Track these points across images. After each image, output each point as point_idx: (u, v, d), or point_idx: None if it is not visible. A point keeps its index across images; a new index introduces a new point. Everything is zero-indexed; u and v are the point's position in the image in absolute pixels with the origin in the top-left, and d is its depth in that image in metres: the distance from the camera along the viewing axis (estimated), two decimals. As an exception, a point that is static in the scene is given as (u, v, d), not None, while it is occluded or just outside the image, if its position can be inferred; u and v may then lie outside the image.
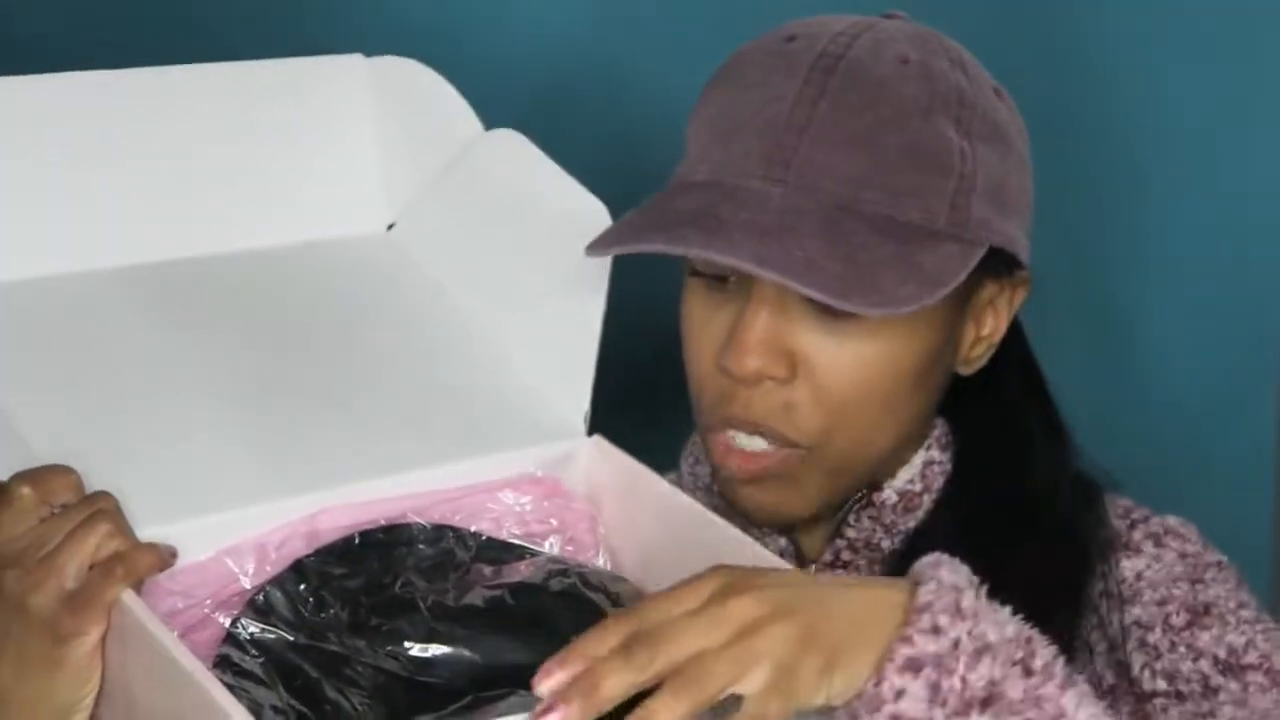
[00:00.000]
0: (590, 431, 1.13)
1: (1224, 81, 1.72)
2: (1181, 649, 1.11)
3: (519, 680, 0.92)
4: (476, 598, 0.99)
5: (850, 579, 0.93)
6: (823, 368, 1.11)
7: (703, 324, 1.14)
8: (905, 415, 1.15)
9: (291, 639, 0.95)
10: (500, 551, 1.05)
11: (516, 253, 1.19)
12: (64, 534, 0.94)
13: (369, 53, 1.26)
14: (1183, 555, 1.16)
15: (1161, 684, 1.11)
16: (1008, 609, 0.91)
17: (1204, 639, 1.11)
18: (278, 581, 0.98)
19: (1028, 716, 0.87)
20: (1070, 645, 1.15)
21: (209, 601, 0.97)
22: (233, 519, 1.01)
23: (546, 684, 0.83)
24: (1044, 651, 0.90)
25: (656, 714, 0.83)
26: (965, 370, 1.19)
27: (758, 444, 1.13)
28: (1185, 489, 1.56)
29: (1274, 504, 1.81)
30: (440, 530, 1.04)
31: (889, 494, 1.19)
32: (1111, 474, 1.23)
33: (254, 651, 0.94)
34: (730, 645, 0.84)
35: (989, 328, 1.18)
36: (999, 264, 1.15)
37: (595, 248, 1.10)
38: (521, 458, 1.10)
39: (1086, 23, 1.72)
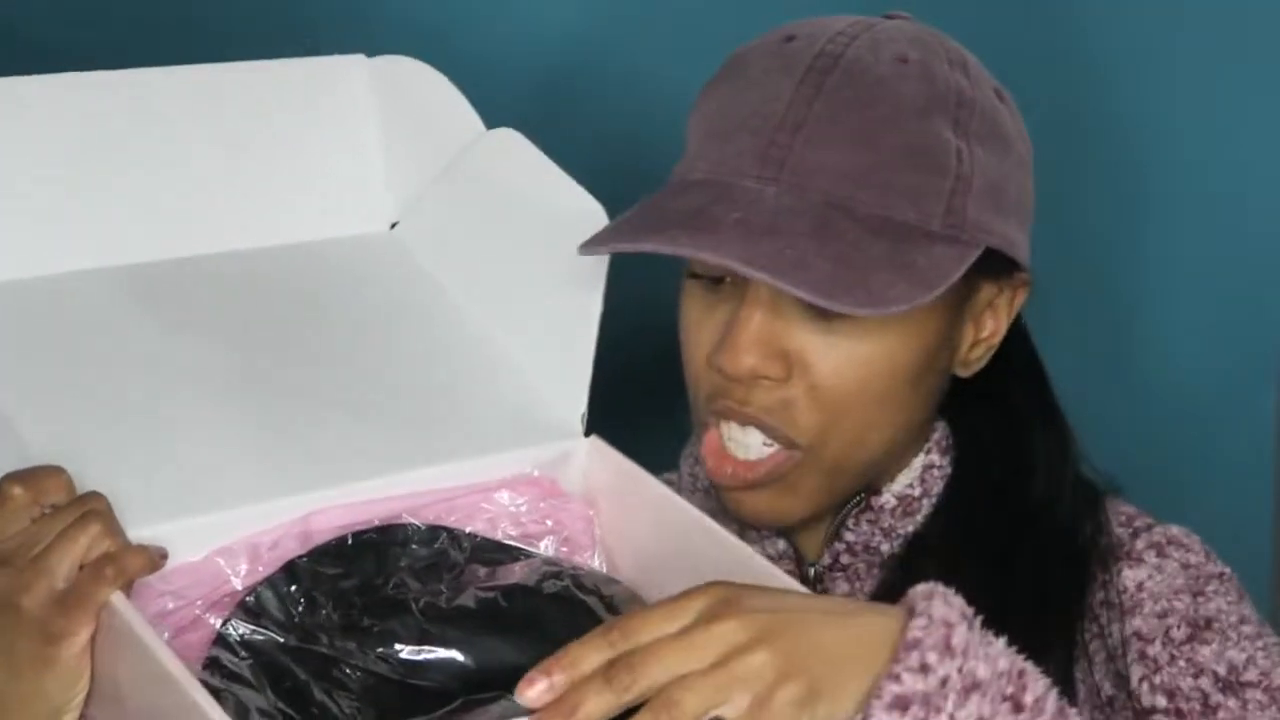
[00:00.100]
0: (588, 432, 1.13)
1: (1225, 82, 1.71)
2: (1181, 663, 1.11)
3: (510, 683, 0.91)
4: (469, 599, 0.99)
5: (845, 604, 0.92)
6: (817, 367, 1.10)
7: (699, 324, 1.14)
8: (901, 416, 1.15)
9: (282, 640, 0.95)
10: (495, 553, 1.04)
11: (515, 253, 1.19)
12: (55, 534, 0.94)
13: (370, 53, 1.26)
14: (1185, 566, 1.16)
15: (1161, 700, 1.10)
16: (1001, 641, 0.90)
17: (1204, 654, 1.11)
18: (269, 582, 0.98)
19: None
20: (1069, 654, 1.15)
21: (200, 602, 0.97)
22: (225, 519, 1.00)
23: (529, 692, 0.84)
24: (1035, 685, 0.89)
25: None
26: (964, 372, 1.19)
27: (753, 441, 1.13)
28: (1185, 489, 1.56)
29: (1274, 504, 1.81)
30: (435, 531, 1.04)
31: (887, 498, 1.19)
32: (1113, 478, 1.23)
33: (244, 653, 0.94)
34: (711, 671, 0.84)
35: (988, 329, 1.18)
36: (998, 265, 1.14)
37: (589, 247, 1.10)
38: (518, 458, 1.10)
39: (1088, 22, 1.71)
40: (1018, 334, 1.21)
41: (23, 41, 1.51)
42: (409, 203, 1.26)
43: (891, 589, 1.16)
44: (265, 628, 0.96)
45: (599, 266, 1.13)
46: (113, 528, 0.96)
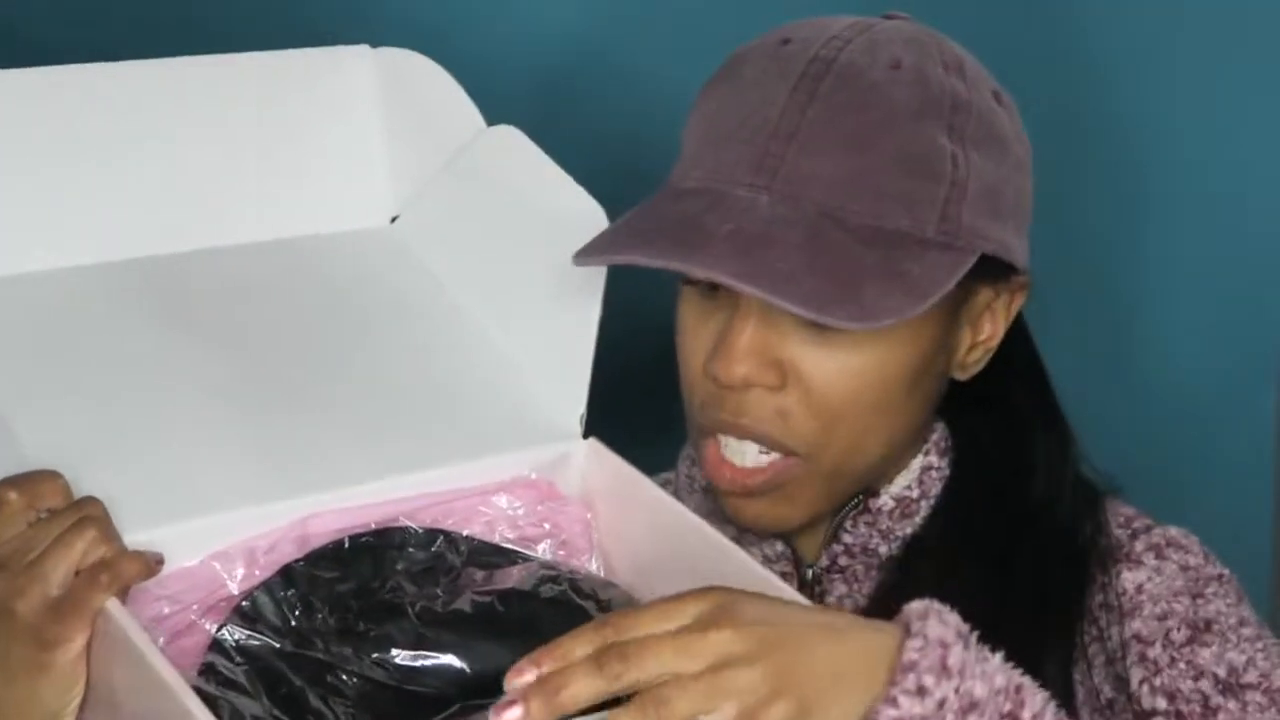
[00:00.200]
0: (586, 434, 1.12)
1: (1225, 81, 1.71)
2: (1181, 665, 1.10)
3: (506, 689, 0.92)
4: (465, 604, 0.99)
5: (841, 619, 0.92)
6: (812, 375, 1.10)
7: (694, 331, 1.14)
8: (899, 421, 1.14)
9: (278, 646, 0.95)
10: (492, 556, 1.04)
11: (514, 253, 1.19)
12: (51, 540, 0.94)
13: (371, 46, 1.26)
14: (1184, 568, 1.15)
15: (1161, 702, 1.10)
16: (997, 657, 0.90)
17: (1204, 656, 1.10)
18: (265, 587, 0.98)
19: None
20: (1068, 656, 1.15)
21: (196, 606, 0.97)
22: (222, 522, 1.00)
23: (518, 681, 0.84)
24: (1033, 701, 0.90)
25: None
26: (961, 375, 1.18)
27: (749, 449, 1.13)
28: (1185, 489, 1.56)
29: (1274, 504, 1.80)
30: (432, 534, 1.04)
31: (885, 500, 1.19)
32: (1113, 478, 1.23)
33: (239, 659, 0.94)
34: (704, 676, 0.84)
35: (985, 333, 1.18)
36: (995, 269, 1.14)
37: (582, 257, 1.10)
38: (516, 460, 1.10)
39: (1088, 22, 1.71)
40: (1018, 335, 1.21)
41: (23, 41, 1.51)
42: (409, 197, 1.26)
43: (889, 591, 1.16)
44: (261, 633, 0.95)
45: (599, 270, 1.13)
46: (109, 533, 0.95)
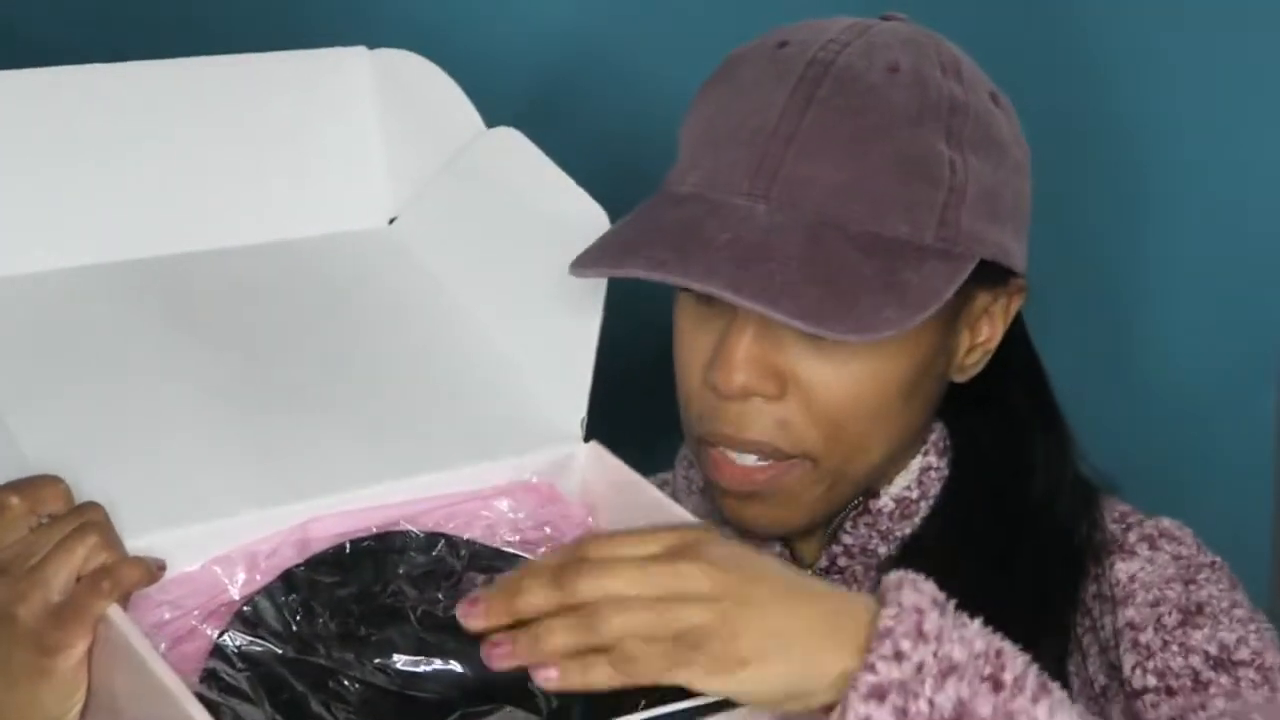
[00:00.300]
0: (587, 436, 1.12)
1: (1225, 82, 1.71)
2: (1174, 647, 1.11)
3: (508, 694, 0.92)
4: (466, 609, 0.99)
5: (819, 586, 0.92)
6: (812, 385, 1.10)
7: (691, 339, 1.14)
8: (898, 426, 1.14)
9: (279, 651, 0.95)
10: (493, 560, 1.04)
11: (514, 255, 1.19)
12: (52, 545, 0.94)
13: (369, 47, 1.25)
14: (1176, 558, 1.16)
15: (1152, 680, 1.10)
16: (976, 623, 0.90)
17: (1196, 637, 1.11)
18: (267, 591, 0.98)
19: None
20: (1063, 649, 1.15)
21: (197, 612, 0.97)
22: (222, 527, 1.00)
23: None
24: (1014, 664, 0.89)
25: (550, 632, 0.85)
26: (960, 378, 1.19)
27: (750, 458, 1.13)
28: (1185, 489, 1.56)
29: (1274, 504, 1.80)
30: (433, 538, 1.04)
31: (886, 501, 1.19)
32: (1109, 476, 1.23)
33: (241, 665, 0.94)
34: (651, 605, 0.85)
35: (984, 336, 1.18)
36: (993, 273, 1.14)
37: (579, 267, 1.09)
38: (517, 464, 1.10)
39: (1088, 22, 1.71)
40: (1017, 336, 1.21)
41: (22, 41, 1.51)
42: (407, 198, 1.25)
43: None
44: (262, 638, 0.95)
45: None
46: (110, 539, 0.95)
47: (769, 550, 1.20)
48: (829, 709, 0.88)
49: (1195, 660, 1.10)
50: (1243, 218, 1.74)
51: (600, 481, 1.10)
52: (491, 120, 1.23)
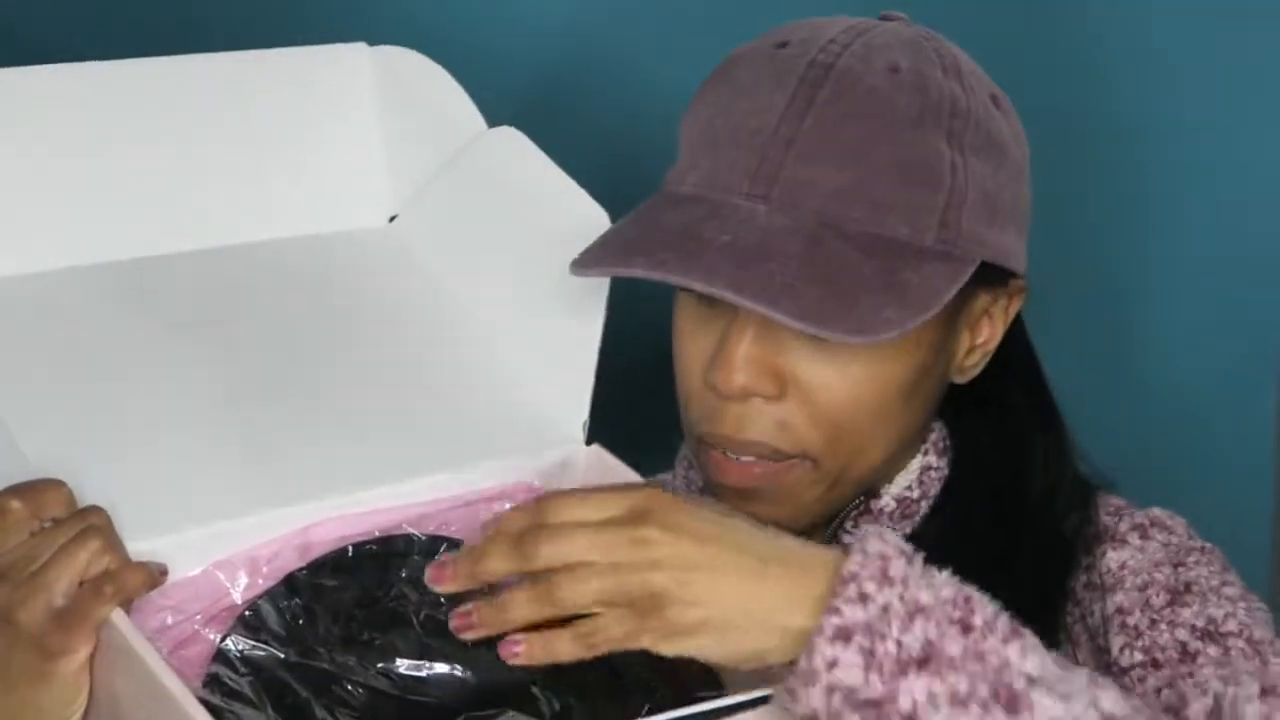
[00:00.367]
0: (589, 439, 1.12)
1: (1226, 82, 1.71)
2: (1162, 625, 1.11)
3: (511, 699, 0.92)
4: (469, 612, 0.99)
5: (787, 545, 0.93)
6: (812, 385, 1.10)
7: (692, 340, 1.13)
8: (898, 427, 1.14)
9: (282, 656, 0.95)
10: (495, 563, 1.04)
11: (516, 256, 1.19)
12: (54, 549, 0.94)
13: (369, 44, 1.25)
14: (1166, 545, 1.16)
15: (1139, 656, 1.10)
16: (945, 573, 0.91)
17: (1184, 614, 1.11)
18: (269, 595, 0.98)
19: (970, 671, 0.88)
20: (1054, 639, 1.15)
21: (199, 616, 0.97)
22: (224, 531, 1.00)
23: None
24: (984, 609, 0.90)
25: (513, 605, 0.88)
26: (960, 379, 1.18)
27: (749, 460, 1.12)
28: (1185, 489, 1.55)
29: (1274, 504, 1.80)
30: (435, 541, 1.03)
31: (887, 501, 1.19)
32: (1106, 474, 1.23)
33: (243, 669, 0.94)
34: (607, 572, 0.87)
35: (983, 337, 1.18)
36: (993, 274, 1.14)
37: (579, 267, 1.09)
38: (519, 466, 1.10)
39: (1088, 22, 1.71)
40: (1016, 337, 1.21)
41: (22, 41, 1.51)
42: (407, 197, 1.25)
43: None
44: (265, 642, 0.95)
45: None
46: (113, 543, 0.95)
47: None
48: (794, 664, 0.89)
49: (1182, 634, 1.10)
50: (1243, 218, 1.74)
51: (602, 484, 1.10)
52: (491, 118, 1.23)
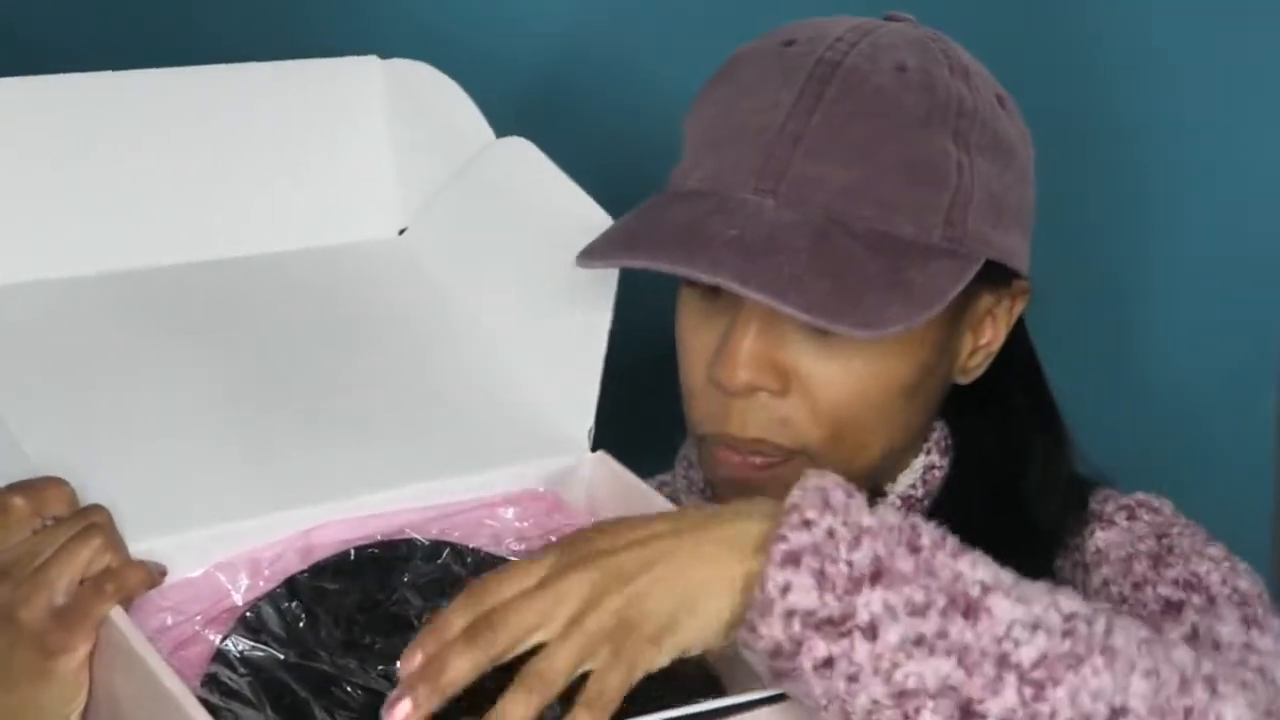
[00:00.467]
0: (594, 445, 1.12)
1: (1227, 82, 1.71)
2: (1146, 587, 1.11)
3: None
4: (471, 617, 0.99)
5: (719, 514, 0.93)
6: (814, 381, 1.10)
7: (695, 335, 1.13)
8: (900, 426, 1.15)
9: (282, 657, 0.94)
10: (498, 569, 1.04)
11: (523, 264, 1.19)
12: (56, 547, 0.94)
13: (368, 50, 1.25)
14: (1152, 524, 1.17)
15: None
16: (889, 510, 0.91)
17: (1168, 574, 1.11)
18: (270, 598, 0.98)
19: (923, 584, 0.88)
20: None
21: (199, 617, 0.97)
22: (226, 533, 1.00)
23: (409, 666, 0.86)
24: (931, 532, 0.90)
25: (509, 713, 0.85)
26: (963, 379, 1.19)
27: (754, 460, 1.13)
28: (1185, 489, 1.55)
29: (1274, 504, 1.81)
30: (438, 546, 1.03)
31: (892, 499, 1.19)
32: (1106, 474, 1.23)
33: (243, 670, 0.93)
34: (568, 632, 0.86)
35: (986, 337, 1.18)
36: (997, 275, 1.14)
37: (585, 258, 1.09)
38: (523, 472, 1.10)
39: (1089, 22, 1.71)
40: (1018, 338, 1.21)
41: (22, 42, 1.51)
42: (418, 208, 1.25)
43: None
44: (265, 644, 0.95)
45: (608, 279, 1.13)
46: (114, 542, 0.96)
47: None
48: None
49: (1165, 589, 1.10)
50: (1244, 218, 1.74)
51: (607, 491, 1.10)
52: (492, 120, 1.23)
